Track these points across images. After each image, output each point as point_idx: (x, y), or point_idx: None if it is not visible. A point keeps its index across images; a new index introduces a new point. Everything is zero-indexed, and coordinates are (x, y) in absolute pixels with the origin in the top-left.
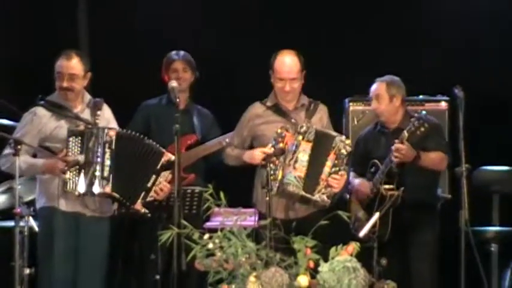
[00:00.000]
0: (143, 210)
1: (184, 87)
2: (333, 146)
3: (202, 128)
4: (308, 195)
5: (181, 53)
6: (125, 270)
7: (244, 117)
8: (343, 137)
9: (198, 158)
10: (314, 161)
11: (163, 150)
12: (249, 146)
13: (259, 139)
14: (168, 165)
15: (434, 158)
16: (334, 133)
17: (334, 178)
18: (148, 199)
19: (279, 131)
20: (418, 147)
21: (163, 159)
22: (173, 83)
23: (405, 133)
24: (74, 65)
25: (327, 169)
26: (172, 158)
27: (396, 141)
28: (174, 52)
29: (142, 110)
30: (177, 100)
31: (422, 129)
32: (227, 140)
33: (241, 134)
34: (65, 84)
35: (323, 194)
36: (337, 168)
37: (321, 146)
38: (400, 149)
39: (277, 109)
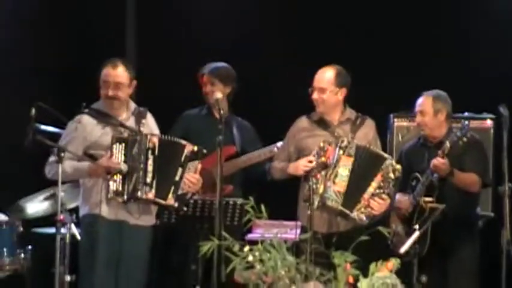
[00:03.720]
0: (176, 204)
1: (214, 101)
2: (382, 167)
3: (242, 140)
4: (346, 211)
5: (211, 66)
6: (161, 279)
7: (291, 131)
8: (394, 161)
9: (237, 170)
10: (356, 177)
11: (184, 142)
12: (295, 159)
13: (303, 152)
14: (193, 156)
15: (467, 179)
16: (385, 155)
17: (376, 201)
18: (180, 192)
19: (322, 144)
20: (456, 161)
21: (187, 151)
22: (218, 95)
23: (447, 144)
24: (119, 73)
25: (371, 189)
26: (196, 148)
27: (439, 152)
28: (207, 65)
29: (182, 119)
30: (221, 112)
31: (465, 139)
32: (278, 145)
33: (287, 148)
34: (110, 93)
35: (362, 213)
36: (382, 191)
37: (366, 163)
38: (441, 164)
39: (322, 123)
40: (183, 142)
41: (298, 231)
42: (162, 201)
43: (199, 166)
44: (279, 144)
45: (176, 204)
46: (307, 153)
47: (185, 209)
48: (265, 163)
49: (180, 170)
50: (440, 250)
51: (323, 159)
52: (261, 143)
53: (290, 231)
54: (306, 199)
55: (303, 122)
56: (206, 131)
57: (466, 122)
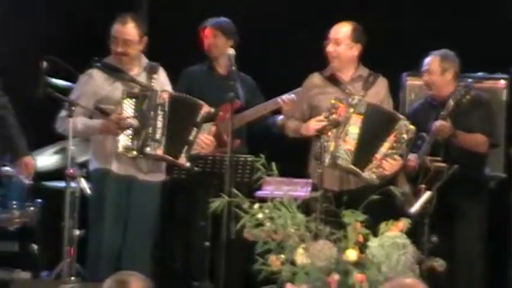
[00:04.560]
0: (188, 164)
1: (216, 54)
2: (395, 128)
3: (245, 95)
4: (357, 170)
5: (213, 20)
6: (169, 236)
7: (303, 88)
8: (407, 122)
9: (243, 124)
10: (367, 136)
11: (202, 102)
12: (309, 117)
13: (315, 110)
14: (209, 118)
15: (471, 140)
16: (399, 115)
17: (389, 161)
18: (193, 153)
19: (333, 101)
20: (463, 119)
21: (203, 111)
22: (230, 50)
23: (451, 101)
24: (129, 30)
25: (383, 149)
26: (212, 110)
27: (443, 112)
28: (209, 19)
29: (184, 76)
30: (233, 68)
31: (469, 97)
32: (283, 97)
33: (300, 105)
34: (119, 49)
35: (373, 173)
36: (394, 151)
37: (377, 123)
38: (443, 126)
39: (333, 80)
40: (200, 102)
41: (309, 189)
42: (171, 158)
43: (213, 128)
44: (284, 96)
45: (188, 164)
46: (319, 111)
47: (196, 169)
48: (268, 117)
49: (194, 130)
50: (447, 210)
51: (334, 116)
52: (263, 97)
53: (300, 189)
54: (317, 157)
55: (315, 78)
56: (208, 87)
57: (470, 80)
